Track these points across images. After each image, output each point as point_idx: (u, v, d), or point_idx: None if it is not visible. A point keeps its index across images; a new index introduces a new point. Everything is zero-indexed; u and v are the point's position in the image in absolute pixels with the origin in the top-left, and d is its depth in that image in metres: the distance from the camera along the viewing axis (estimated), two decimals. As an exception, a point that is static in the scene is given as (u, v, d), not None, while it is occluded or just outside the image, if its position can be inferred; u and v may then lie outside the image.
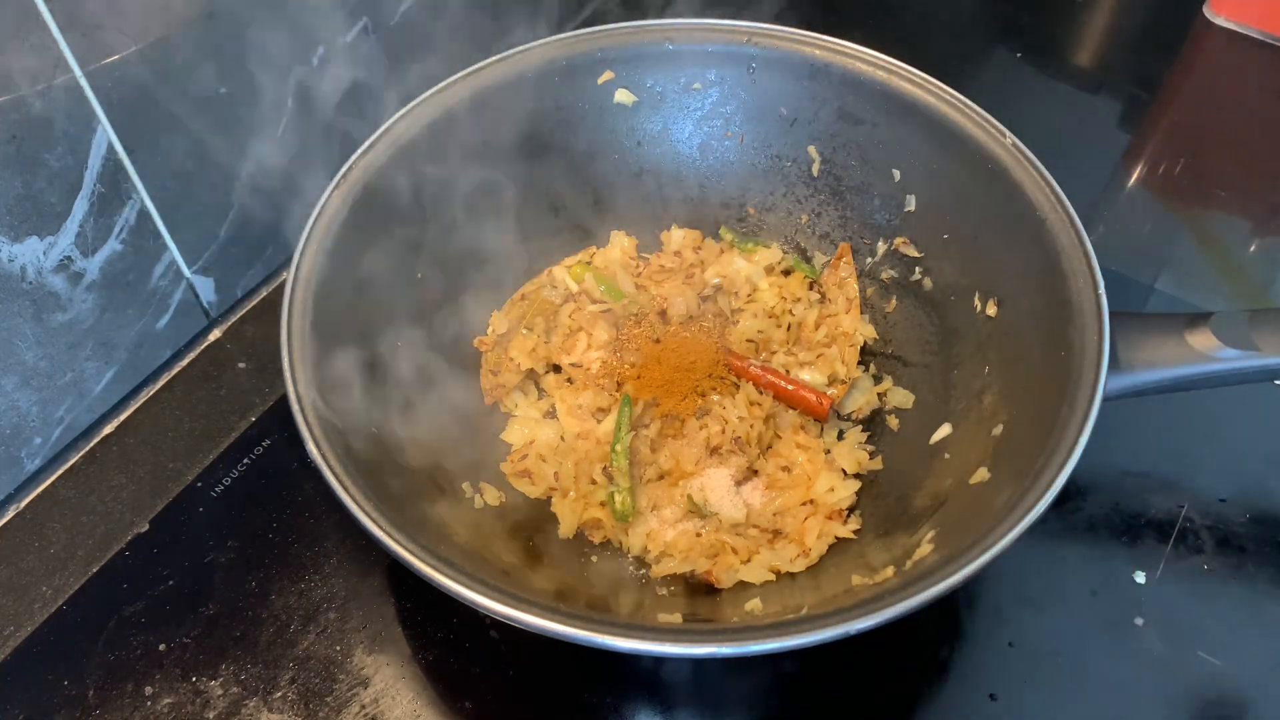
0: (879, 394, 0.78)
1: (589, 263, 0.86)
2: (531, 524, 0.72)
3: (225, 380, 0.82)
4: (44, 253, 0.67)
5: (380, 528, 0.54)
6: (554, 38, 0.81)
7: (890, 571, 0.59)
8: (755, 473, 0.74)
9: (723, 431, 0.74)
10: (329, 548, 0.72)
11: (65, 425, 0.75)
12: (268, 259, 0.87)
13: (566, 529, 0.71)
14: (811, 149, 0.84)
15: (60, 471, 0.76)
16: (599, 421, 0.76)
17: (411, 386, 0.71)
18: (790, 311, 0.84)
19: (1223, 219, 0.96)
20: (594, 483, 0.73)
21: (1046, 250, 0.67)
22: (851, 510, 0.72)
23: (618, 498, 0.71)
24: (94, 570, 0.71)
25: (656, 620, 0.60)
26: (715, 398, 0.76)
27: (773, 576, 0.67)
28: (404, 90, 0.87)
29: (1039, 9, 1.22)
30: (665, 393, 0.77)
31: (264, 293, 0.88)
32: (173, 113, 0.71)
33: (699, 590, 0.68)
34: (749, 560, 0.68)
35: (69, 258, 0.69)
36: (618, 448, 0.73)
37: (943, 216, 0.78)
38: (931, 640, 0.68)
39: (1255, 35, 1.13)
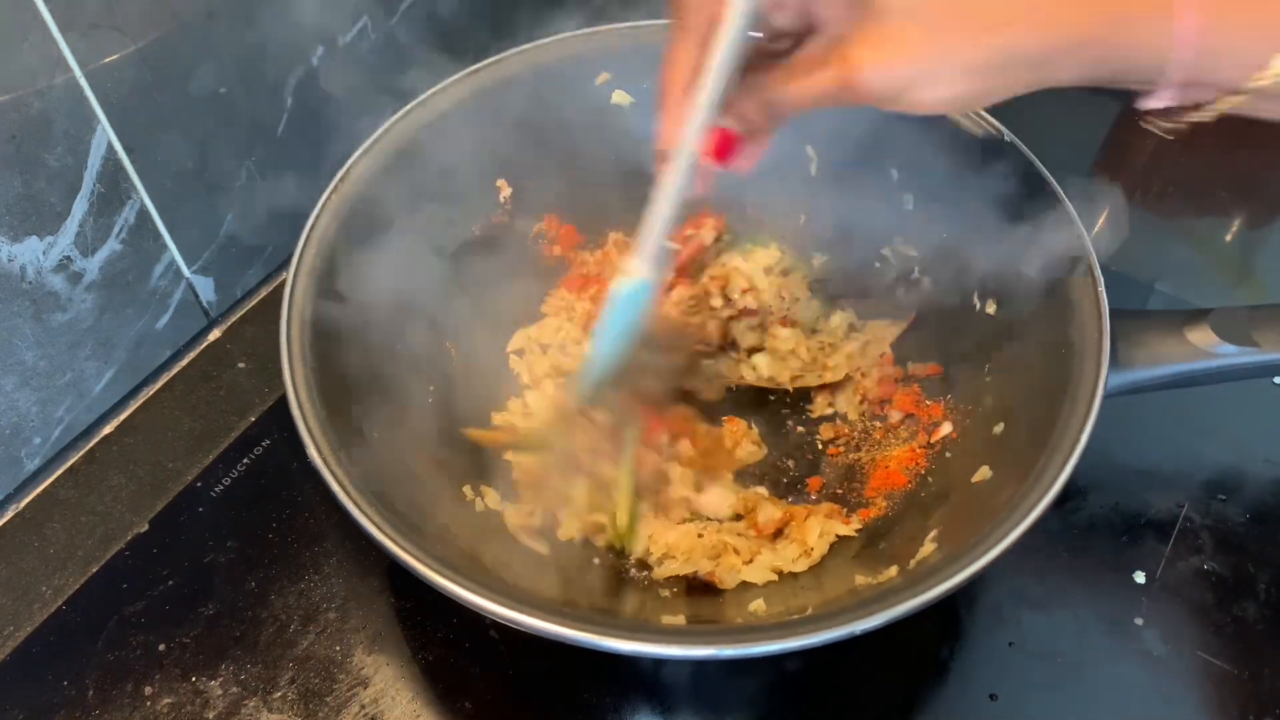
0: (879, 394, 0.78)
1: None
2: (532, 524, 0.72)
3: (225, 380, 0.82)
4: (44, 253, 0.67)
5: (380, 529, 0.54)
6: (551, 38, 0.80)
7: (894, 571, 0.59)
8: (756, 473, 0.74)
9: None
10: (329, 548, 0.72)
11: (65, 425, 0.75)
12: (268, 259, 0.87)
13: (568, 531, 0.71)
14: (810, 149, 0.84)
15: (60, 471, 0.76)
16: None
17: (411, 387, 0.71)
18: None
19: (1223, 218, 0.96)
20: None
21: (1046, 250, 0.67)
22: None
23: (619, 515, 0.71)
24: (94, 570, 0.70)
25: (660, 622, 0.60)
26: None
27: (775, 577, 0.67)
28: (404, 90, 0.87)
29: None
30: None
31: (264, 293, 0.88)
32: (172, 113, 0.71)
33: (702, 591, 0.68)
34: (751, 561, 0.68)
35: (69, 258, 0.69)
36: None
37: (942, 216, 0.78)
38: (931, 640, 0.68)
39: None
